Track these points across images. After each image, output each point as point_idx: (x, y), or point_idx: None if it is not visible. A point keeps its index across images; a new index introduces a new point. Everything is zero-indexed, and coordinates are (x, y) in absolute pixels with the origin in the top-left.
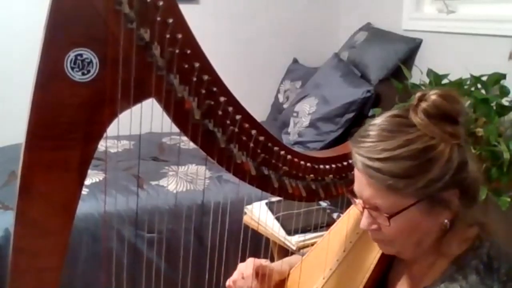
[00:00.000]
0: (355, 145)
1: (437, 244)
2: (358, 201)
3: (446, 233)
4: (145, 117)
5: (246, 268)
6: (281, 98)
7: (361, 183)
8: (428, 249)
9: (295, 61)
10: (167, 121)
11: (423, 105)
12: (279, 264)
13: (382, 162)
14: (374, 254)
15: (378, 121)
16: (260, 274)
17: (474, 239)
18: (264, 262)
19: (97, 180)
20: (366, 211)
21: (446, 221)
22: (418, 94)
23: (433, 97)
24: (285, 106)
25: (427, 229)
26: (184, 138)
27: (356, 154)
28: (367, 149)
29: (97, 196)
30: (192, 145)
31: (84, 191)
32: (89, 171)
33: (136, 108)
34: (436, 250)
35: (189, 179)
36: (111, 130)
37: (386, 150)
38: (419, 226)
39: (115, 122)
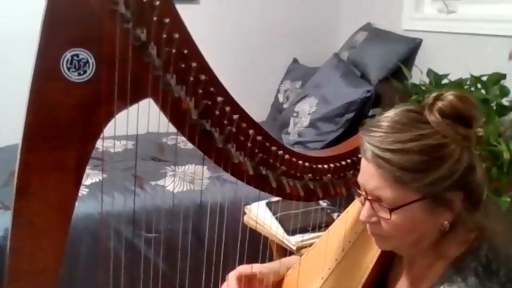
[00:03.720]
0: (367, 134)
1: (435, 245)
2: (361, 192)
3: (445, 235)
4: (143, 118)
5: (229, 277)
6: (281, 98)
7: (367, 173)
8: (427, 250)
9: (295, 61)
10: (165, 121)
11: (439, 104)
12: (275, 265)
13: (392, 153)
14: (373, 253)
15: (391, 114)
16: (243, 280)
17: (472, 242)
18: (250, 268)
19: (97, 180)
20: (367, 203)
21: (446, 222)
22: (435, 94)
23: (450, 97)
24: (285, 106)
25: (426, 229)
26: (184, 138)
27: (367, 143)
28: (379, 138)
29: (97, 196)
30: (192, 145)
31: (84, 191)
32: (89, 171)
33: (134, 108)
34: (435, 251)
35: (188, 179)
36: (110, 130)
37: (397, 142)
38: (419, 224)
39: (113, 122)
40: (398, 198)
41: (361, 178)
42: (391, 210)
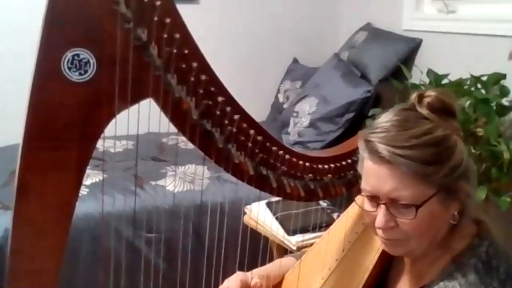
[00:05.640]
0: (376, 135)
1: (443, 240)
2: (361, 198)
3: (453, 227)
4: (144, 118)
5: (231, 283)
6: (281, 98)
7: (379, 177)
8: (435, 245)
9: (295, 61)
10: (165, 121)
11: (427, 99)
12: (273, 267)
13: (411, 149)
14: (373, 254)
15: (390, 115)
16: None
17: (474, 237)
18: (249, 274)
19: (97, 180)
20: (383, 208)
21: (456, 213)
22: (417, 93)
23: (434, 93)
24: (285, 106)
25: (441, 223)
26: (184, 138)
27: (380, 144)
28: (393, 137)
29: (97, 196)
30: (192, 145)
31: (84, 191)
32: (90, 171)
33: (135, 108)
34: (442, 245)
35: (189, 179)
36: (111, 130)
37: (413, 137)
38: (436, 220)
39: (114, 122)
40: (417, 194)
41: (369, 184)
42: (418, 207)
